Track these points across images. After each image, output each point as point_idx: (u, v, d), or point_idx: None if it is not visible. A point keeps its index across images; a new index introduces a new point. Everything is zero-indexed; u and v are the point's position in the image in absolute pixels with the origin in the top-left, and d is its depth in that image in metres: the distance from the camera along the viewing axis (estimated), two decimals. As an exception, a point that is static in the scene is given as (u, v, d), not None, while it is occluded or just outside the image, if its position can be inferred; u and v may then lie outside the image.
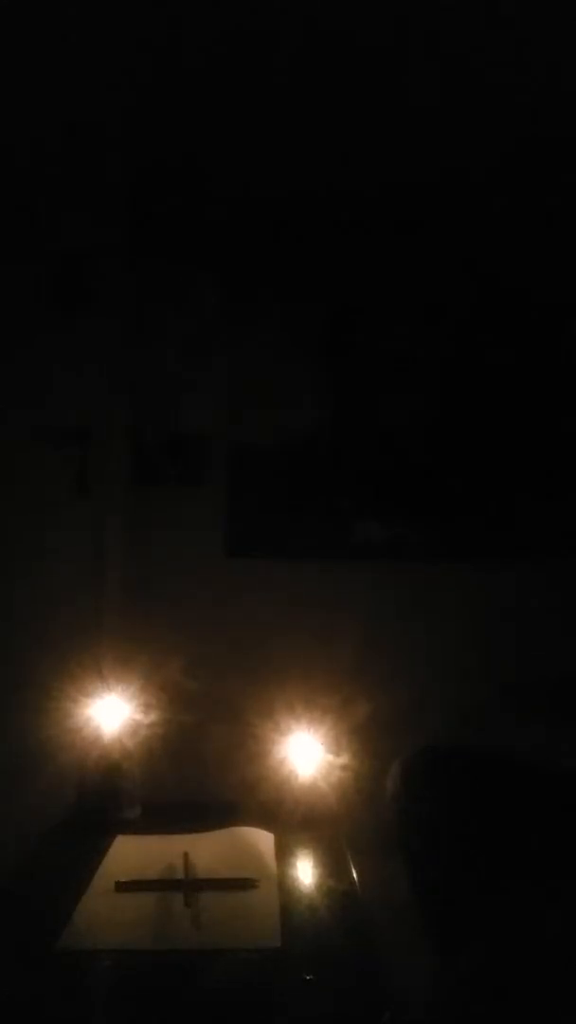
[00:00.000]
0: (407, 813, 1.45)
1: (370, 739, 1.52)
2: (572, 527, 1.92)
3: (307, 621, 1.84)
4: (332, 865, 1.29)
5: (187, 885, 1.19)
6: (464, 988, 1.09)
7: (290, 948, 1.04)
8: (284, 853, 1.31)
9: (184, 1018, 0.92)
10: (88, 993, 0.97)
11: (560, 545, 1.91)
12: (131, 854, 1.32)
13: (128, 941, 1.05)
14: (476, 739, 1.59)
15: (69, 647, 1.67)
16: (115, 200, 1.85)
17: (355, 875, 1.25)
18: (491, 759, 1.50)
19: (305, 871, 1.27)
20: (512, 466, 1.94)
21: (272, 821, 1.40)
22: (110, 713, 1.53)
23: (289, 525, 1.93)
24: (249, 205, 1.89)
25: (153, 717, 1.53)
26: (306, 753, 1.46)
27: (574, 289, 1.95)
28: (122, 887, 1.19)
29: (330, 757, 1.45)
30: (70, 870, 1.25)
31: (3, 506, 1.81)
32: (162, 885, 1.20)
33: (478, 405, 1.95)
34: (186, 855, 1.27)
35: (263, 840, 1.35)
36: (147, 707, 1.54)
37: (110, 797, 1.47)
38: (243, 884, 1.19)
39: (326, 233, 1.92)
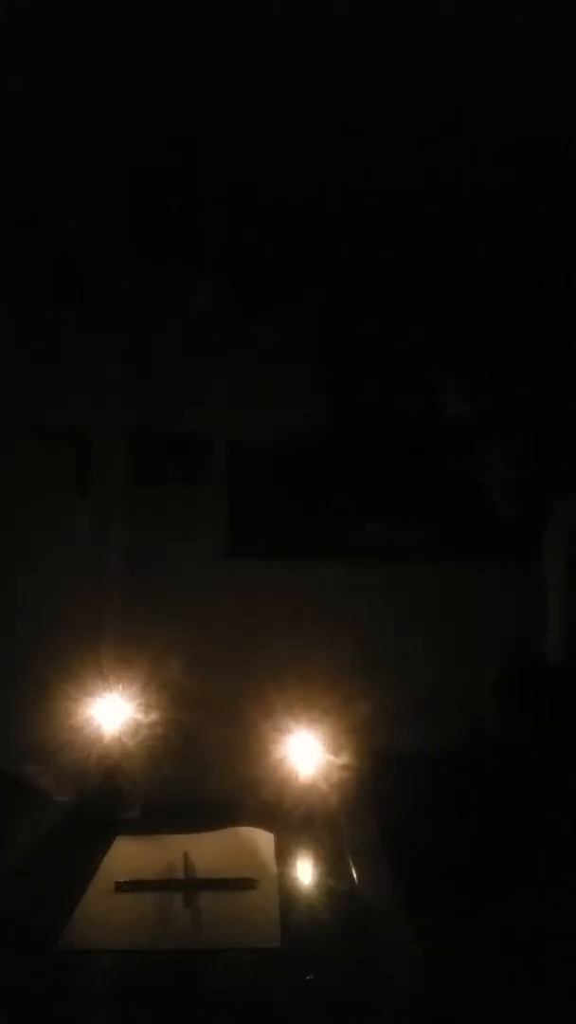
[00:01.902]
0: (405, 813, 1.45)
1: (370, 739, 1.52)
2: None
3: (307, 621, 1.84)
4: (332, 865, 1.29)
5: (187, 885, 1.19)
6: (463, 988, 1.09)
7: (290, 948, 1.04)
8: (284, 853, 1.31)
9: (184, 1018, 0.92)
10: (88, 993, 0.97)
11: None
12: (131, 854, 1.32)
13: (128, 941, 1.05)
14: (476, 739, 1.59)
15: (69, 647, 1.67)
16: (115, 200, 1.86)
17: (355, 875, 1.25)
18: (490, 759, 1.50)
19: (305, 871, 1.28)
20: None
21: (272, 821, 1.40)
22: (111, 713, 1.53)
23: (289, 525, 1.93)
24: (249, 205, 1.89)
25: (153, 717, 1.53)
26: (306, 753, 1.46)
27: (574, 290, 1.94)
28: (122, 887, 1.19)
29: (330, 757, 1.45)
30: (70, 870, 1.25)
31: (3, 506, 1.82)
32: (162, 885, 1.20)
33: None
34: (186, 855, 1.27)
35: (263, 840, 1.35)
36: (148, 707, 1.54)
37: (110, 797, 1.47)
38: (243, 884, 1.19)
39: (326, 233, 1.92)
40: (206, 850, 1.30)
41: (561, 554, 1.20)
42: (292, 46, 1.44)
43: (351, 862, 1.29)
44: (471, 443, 1.14)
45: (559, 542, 1.21)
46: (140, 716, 1.53)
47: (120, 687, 1.56)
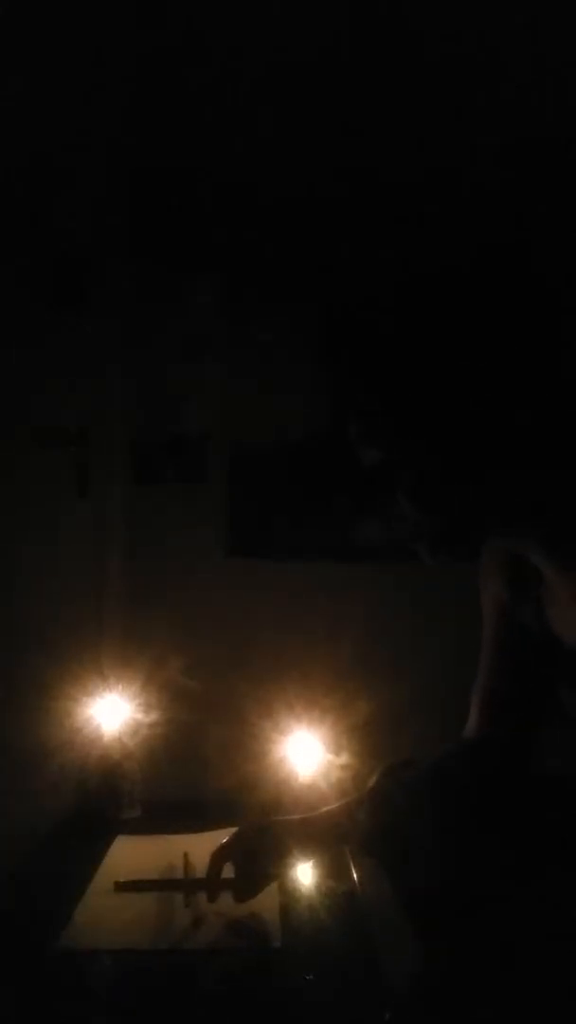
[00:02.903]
0: (401, 815, 1.45)
1: (370, 739, 1.52)
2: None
3: (307, 621, 1.83)
4: (332, 865, 1.29)
5: (187, 885, 1.19)
6: (463, 988, 1.09)
7: (290, 948, 1.04)
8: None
9: (184, 1018, 0.92)
10: (88, 993, 0.97)
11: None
12: (131, 854, 1.32)
13: (128, 941, 1.05)
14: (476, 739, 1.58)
15: (69, 647, 1.67)
16: (115, 200, 1.86)
17: (355, 875, 1.25)
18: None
19: (305, 871, 1.27)
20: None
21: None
22: (110, 712, 1.53)
23: (289, 525, 1.93)
24: (249, 205, 1.89)
25: (153, 716, 1.53)
26: (306, 753, 1.46)
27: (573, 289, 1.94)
28: (122, 887, 1.19)
29: (330, 757, 1.45)
30: (70, 870, 1.25)
31: (3, 506, 1.81)
32: (162, 885, 1.20)
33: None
34: (186, 855, 1.27)
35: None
36: (147, 706, 1.54)
37: (110, 797, 1.47)
38: (243, 884, 1.19)
39: (326, 232, 1.92)
40: (206, 850, 1.30)
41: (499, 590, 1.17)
42: (292, 46, 1.44)
43: (351, 862, 1.29)
44: (388, 492, 1.04)
45: (494, 581, 1.18)
46: (140, 716, 1.53)
47: (120, 687, 1.56)
